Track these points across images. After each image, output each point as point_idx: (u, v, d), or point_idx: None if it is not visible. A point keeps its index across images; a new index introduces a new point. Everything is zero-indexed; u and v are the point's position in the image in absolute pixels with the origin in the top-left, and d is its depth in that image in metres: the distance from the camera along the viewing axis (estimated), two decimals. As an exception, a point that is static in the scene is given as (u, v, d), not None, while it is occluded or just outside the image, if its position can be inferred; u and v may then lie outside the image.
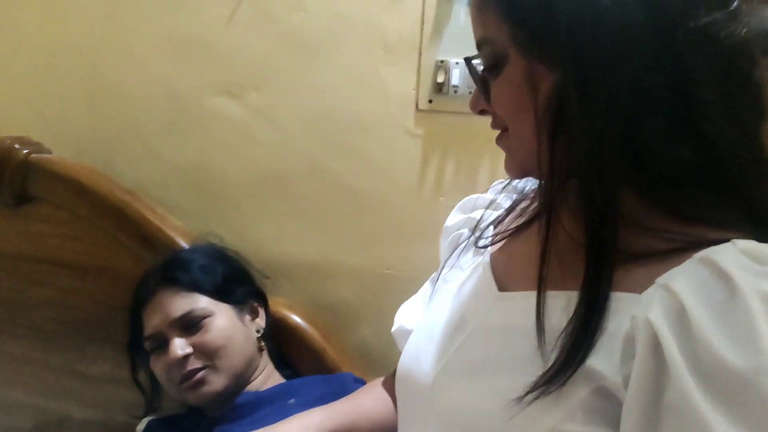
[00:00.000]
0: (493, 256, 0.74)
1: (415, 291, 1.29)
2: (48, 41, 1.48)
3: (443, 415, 0.65)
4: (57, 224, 1.35)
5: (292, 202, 1.40)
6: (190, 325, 1.13)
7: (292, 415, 1.02)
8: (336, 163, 1.36)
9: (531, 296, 0.62)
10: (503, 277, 0.69)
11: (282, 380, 1.18)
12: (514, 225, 0.75)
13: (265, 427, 0.76)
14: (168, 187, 1.44)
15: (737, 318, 0.47)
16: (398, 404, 0.78)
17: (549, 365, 0.56)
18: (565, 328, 0.56)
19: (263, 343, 1.19)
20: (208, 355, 1.11)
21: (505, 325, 0.64)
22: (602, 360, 0.54)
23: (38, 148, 1.39)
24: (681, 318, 0.49)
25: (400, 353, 0.84)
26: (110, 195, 1.30)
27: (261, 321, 1.22)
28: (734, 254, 0.51)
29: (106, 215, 1.30)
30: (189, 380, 1.10)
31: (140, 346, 1.18)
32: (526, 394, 0.56)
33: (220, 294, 1.17)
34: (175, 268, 1.18)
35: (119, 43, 1.44)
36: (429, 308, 0.81)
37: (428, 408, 0.67)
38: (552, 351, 0.57)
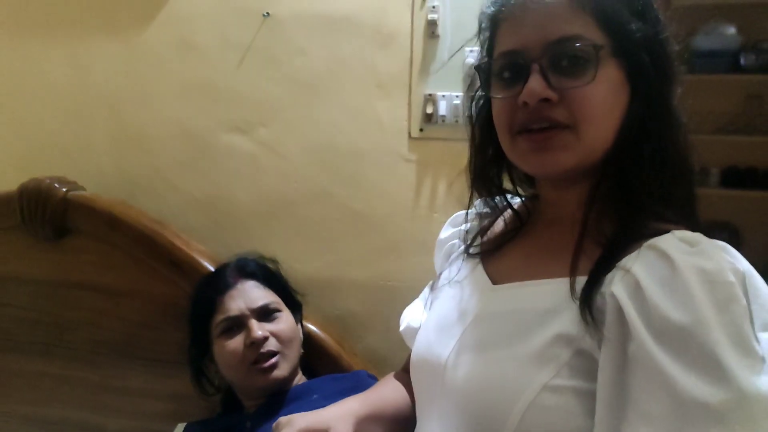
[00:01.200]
0: (484, 260, 0.90)
1: (415, 298, 1.45)
2: (74, 90, 1.65)
3: (458, 388, 0.79)
4: (91, 253, 1.50)
5: (300, 224, 1.56)
6: (267, 314, 1.27)
7: (317, 408, 1.17)
8: (338, 188, 1.52)
9: (518, 286, 0.80)
10: (495, 275, 0.85)
11: (305, 380, 1.32)
12: (500, 234, 0.92)
13: (311, 411, 0.86)
14: (187, 217, 1.60)
15: (678, 287, 0.64)
16: (415, 389, 0.92)
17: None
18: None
19: (302, 351, 1.33)
20: (281, 342, 1.25)
21: (499, 311, 0.80)
22: (579, 327, 0.70)
23: (74, 186, 1.54)
24: (637, 291, 0.66)
25: (407, 350, 1.00)
26: (141, 225, 1.46)
27: (301, 332, 1.36)
28: (674, 241, 0.68)
29: (138, 243, 1.45)
30: (263, 362, 1.22)
31: (200, 335, 1.29)
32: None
33: (284, 297, 1.33)
34: (251, 266, 1.33)
35: (138, 89, 1.61)
36: (433, 307, 0.96)
37: (445, 385, 0.81)
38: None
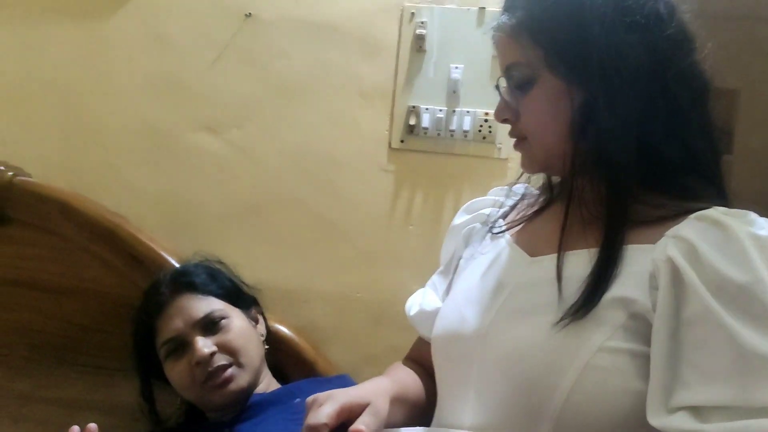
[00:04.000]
0: (513, 237, 0.89)
1: (384, 314, 1.42)
2: (21, 75, 1.53)
3: (503, 355, 0.77)
4: (34, 246, 1.36)
5: (268, 231, 1.48)
6: (211, 326, 1.17)
7: (298, 413, 1.09)
8: (312, 196, 1.47)
9: (556, 257, 0.79)
10: (529, 248, 0.85)
11: (279, 385, 1.23)
12: (526, 214, 0.92)
13: (350, 387, 0.80)
14: (144, 218, 1.48)
15: (734, 249, 0.66)
16: (443, 366, 0.89)
17: (574, 301, 0.72)
18: (590, 273, 0.73)
19: (266, 347, 1.24)
20: (231, 353, 1.15)
21: (542, 279, 0.79)
22: (634, 291, 0.71)
23: (20, 171, 1.40)
24: (693, 254, 0.67)
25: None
26: (100, 217, 1.34)
27: (262, 327, 1.28)
28: (719, 212, 0.70)
29: (94, 236, 1.33)
30: (215, 379, 1.12)
31: (147, 358, 1.19)
32: (562, 320, 0.72)
33: (230, 298, 1.23)
34: (186, 276, 1.23)
35: (98, 79, 1.51)
36: (458, 284, 0.94)
37: (485, 355, 0.79)
38: (577, 291, 0.73)
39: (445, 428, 0.83)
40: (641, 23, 0.75)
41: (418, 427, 0.85)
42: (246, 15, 1.48)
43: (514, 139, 0.86)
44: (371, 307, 1.45)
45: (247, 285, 1.34)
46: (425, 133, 1.44)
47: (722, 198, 0.78)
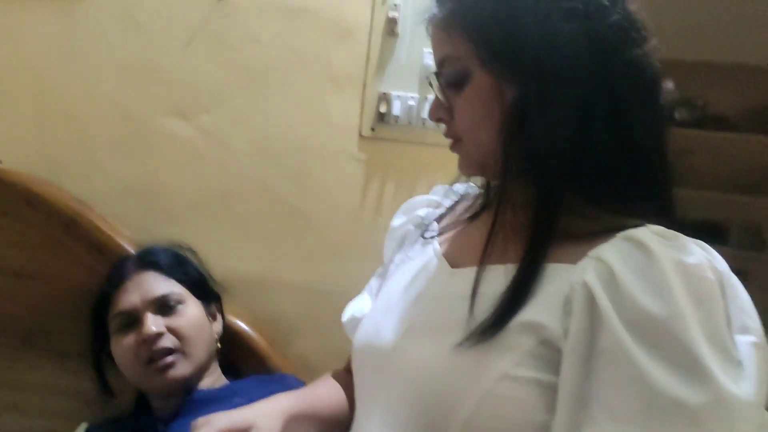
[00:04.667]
0: (441, 244, 0.85)
1: (353, 306, 1.37)
2: (-1, 58, 1.53)
3: (406, 372, 0.73)
4: (2, 232, 1.36)
5: (237, 219, 1.46)
6: (166, 307, 1.17)
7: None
8: (281, 184, 1.44)
9: (475, 270, 0.73)
10: (453, 259, 0.81)
11: (227, 381, 1.22)
12: (459, 219, 0.87)
13: (234, 409, 0.79)
14: (114, 202, 1.47)
15: (655, 278, 0.60)
16: (357, 378, 0.85)
17: (483, 321, 0.67)
18: (505, 290, 0.68)
19: (219, 346, 1.23)
20: (179, 338, 1.14)
21: (458, 294, 0.74)
22: (546, 316, 0.65)
23: (-12, 156, 1.40)
24: (611, 280, 0.62)
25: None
26: (62, 204, 1.33)
27: (218, 326, 1.27)
28: (648, 233, 0.64)
29: (57, 223, 1.32)
30: (157, 361, 1.11)
31: (100, 329, 1.19)
32: (466, 341, 0.66)
33: (193, 287, 1.23)
34: (153, 255, 1.23)
35: (72, 62, 1.49)
36: (382, 292, 0.90)
37: (391, 369, 0.75)
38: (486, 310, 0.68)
39: None
40: (580, 9, 0.68)
41: None
42: (217, -2, 1.45)
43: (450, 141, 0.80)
44: (339, 299, 1.39)
45: (214, 280, 1.33)
46: (396, 122, 1.40)
47: (665, 211, 0.72)
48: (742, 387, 0.56)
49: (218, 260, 1.40)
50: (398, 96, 1.39)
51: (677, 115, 3.45)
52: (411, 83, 1.38)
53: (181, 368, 1.14)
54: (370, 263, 1.40)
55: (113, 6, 1.48)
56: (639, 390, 0.57)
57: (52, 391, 1.36)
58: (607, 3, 0.70)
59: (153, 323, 1.13)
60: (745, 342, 0.59)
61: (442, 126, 0.80)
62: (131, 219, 1.46)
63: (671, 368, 0.56)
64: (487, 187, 0.88)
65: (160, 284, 1.19)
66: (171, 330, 1.15)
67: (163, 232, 1.45)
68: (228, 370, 1.24)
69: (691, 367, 0.56)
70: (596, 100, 0.69)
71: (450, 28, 0.74)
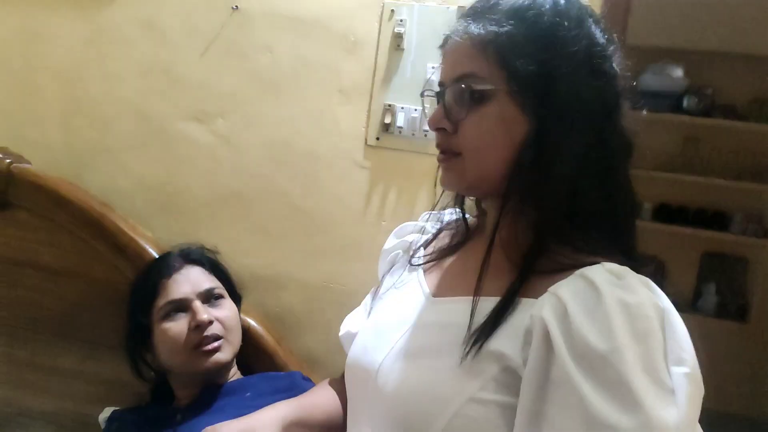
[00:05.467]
0: (425, 272, 0.93)
1: (356, 303, 1.48)
2: (27, 61, 1.62)
3: (389, 393, 0.82)
4: (33, 230, 1.47)
5: (249, 219, 1.56)
6: (212, 299, 1.29)
7: (248, 406, 1.18)
8: (291, 187, 1.54)
9: (455, 301, 0.84)
10: (436, 287, 0.89)
11: (239, 375, 1.33)
12: (443, 247, 0.96)
13: (237, 418, 0.88)
14: (134, 200, 1.58)
15: (601, 315, 0.69)
16: (348, 392, 0.95)
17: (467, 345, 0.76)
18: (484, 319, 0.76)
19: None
20: (224, 328, 1.26)
21: (437, 322, 0.84)
22: (509, 346, 0.74)
23: (19, 158, 1.51)
24: (564, 316, 0.70)
25: (344, 354, 1.02)
26: (88, 207, 1.44)
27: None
28: (602, 272, 0.73)
29: (83, 224, 1.43)
30: (206, 344, 1.22)
31: (144, 318, 1.28)
32: (465, 355, 0.75)
33: (227, 287, 1.35)
34: (195, 255, 1.35)
35: (96, 66, 1.59)
36: (374, 313, 0.99)
37: (375, 389, 0.84)
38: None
39: None
40: (605, 72, 0.78)
41: None
42: (233, 8, 1.52)
43: (440, 153, 0.84)
44: (342, 296, 1.52)
45: (236, 284, 1.42)
46: (400, 132, 1.47)
47: (626, 251, 0.80)
48: (670, 413, 0.64)
49: (230, 258, 1.49)
50: (402, 108, 1.47)
51: (686, 103, 3.48)
52: (415, 96, 1.46)
53: (225, 353, 1.25)
54: (372, 264, 1.49)
55: (136, 14, 1.57)
56: (580, 415, 0.65)
57: (79, 376, 1.49)
58: (615, 69, 0.80)
59: (204, 311, 1.24)
60: (679, 373, 0.67)
61: (435, 136, 0.85)
62: (150, 217, 1.57)
63: (609, 397, 0.65)
64: (465, 222, 0.96)
65: (206, 278, 1.31)
66: (217, 320, 1.26)
67: (179, 230, 1.55)
68: (238, 364, 1.35)
69: (625, 396, 0.64)
70: (593, 151, 0.78)
71: (485, 48, 0.78)
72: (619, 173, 0.81)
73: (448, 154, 0.83)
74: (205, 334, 1.23)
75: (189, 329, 1.23)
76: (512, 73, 0.77)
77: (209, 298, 1.29)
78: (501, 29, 0.77)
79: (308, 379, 1.32)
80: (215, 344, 1.24)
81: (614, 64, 0.80)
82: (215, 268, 1.36)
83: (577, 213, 0.78)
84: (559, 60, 0.76)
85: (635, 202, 0.84)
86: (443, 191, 0.95)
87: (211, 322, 1.24)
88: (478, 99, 0.78)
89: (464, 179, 0.82)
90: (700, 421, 0.71)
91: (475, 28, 0.79)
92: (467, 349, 0.76)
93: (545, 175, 0.77)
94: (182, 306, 1.26)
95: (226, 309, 1.30)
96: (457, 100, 0.80)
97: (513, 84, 0.77)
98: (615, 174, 0.80)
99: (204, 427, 0.87)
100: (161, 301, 1.26)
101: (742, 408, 3.43)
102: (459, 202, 0.98)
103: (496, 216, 0.83)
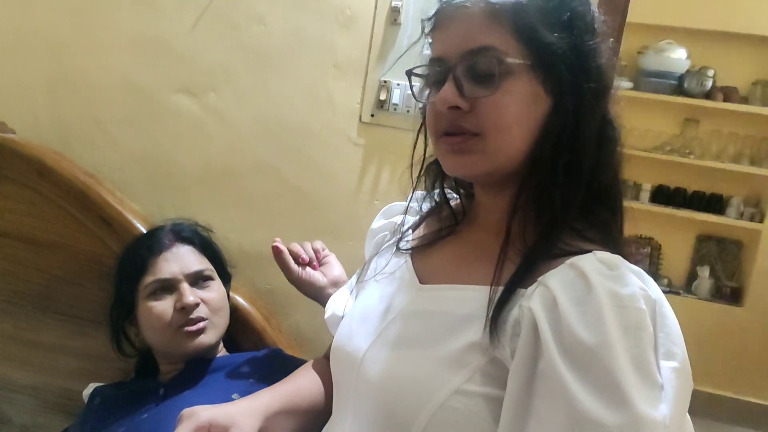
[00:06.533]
0: (413, 256, 0.90)
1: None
2: (14, 27, 1.56)
3: (373, 382, 0.80)
4: (16, 201, 1.44)
5: (239, 195, 1.53)
6: (200, 281, 1.26)
7: (229, 384, 1.16)
8: (283, 164, 1.50)
9: (443, 289, 0.81)
10: (423, 273, 0.86)
11: (225, 352, 1.31)
12: (432, 232, 0.92)
13: (216, 405, 0.85)
14: (122, 172, 1.55)
15: (591, 308, 0.66)
16: (333, 377, 0.93)
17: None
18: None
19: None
20: (210, 310, 1.24)
21: (424, 310, 0.81)
22: (495, 336, 0.71)
23: (2, 127, 1.47)
24: (553, 307, 0.68)
25: (331, 337, 1.00)
26: (73, 177, 1.40)
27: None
28: (594, 262, 0.70)
29: (68, 196, 1.40)
30: (190, 325, 1.20)
31: (129, 294, 1.26)
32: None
33: (217, 268, 1.32)
34: (187, 232, 1.31)
35: (85, 35, 1.54)
36: (359, 298, 0.96)
37: (360, 377, 0.82)
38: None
39: None
40: (610, 50, 0.77)
41: None
42: (225, -23, 1.48)
43: (449, 135, 0.77)
44: (334, 275, 1.50)
45: (226, 262, 1.39)
46: (395, 109, 1.44)
47: (612, 241, 0.78)
48: (658, 409, 0.63)
49: (220, 234, 1.46)
50: (398, 84, 1.43)
51: (687, 84, 3.44)
52: (411, 73, 1.42)
53: (209, 336, 1.23)
54: (362, 243, 1.48)
55: (125, -19, 1.51)
56: (567, 410, 0.63)
57: (62, 351, 1.46)
58: (597, 44, 0.77)
59: (191, 294, 1.22)
60: (669, 367, 0.66)
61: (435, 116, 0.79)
62: (139, 190, 1.54)
63: (596, 392, 0.63)
64: (462, 206, 0.91)
65: (196, 259, 1.28)
66: (204, 301, 1.24)
67: (167, 204, 1.53)
68: (226, 342, 1.32)
69: (612, 391, 0.62)
70: (607, 130, 0.77)
71: (499, 20, 0.73)
72: (615, 159, 0.78)
73: (466, 135, 0.76)
74: (191, 316, 1.21)
75: (174, 310, 1.20)
76: (531, 47, 0.72)
77: (198, 279, 1.26)
78: (515, 1, 0.72)
79: (290, 357, 1.30)
80: (199, 325, 1.21)
81: (611, 50, 0.78)
82: (206, 247, 1.33)
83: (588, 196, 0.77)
84: (578, 34, 0.74)
85: (621, 187, 0.81)
86: (421, 172, 0.90)
87: (197, 305, 1.21)
88: (500, 75, 0.72)
89: (483, 160, 0.76)
90: (692, 404, 0.70)
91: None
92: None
93: (570, 154, 0.74)
94: (169, 286, 1.23)
95: (214, 291, 1.27)
96: (475, 76, 0.74)
97: (532, 58, 0.72)
98: (610, 160, 0.78)
99: (186, 403, 0.85)
100: (148, 279, 1.23)
101: (735, 390, 3.45)
102: (443, 186, 0.92)
103: (509, 202, 0.78)
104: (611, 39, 0.79)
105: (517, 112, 0.73)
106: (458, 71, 0.75)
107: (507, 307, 0.73)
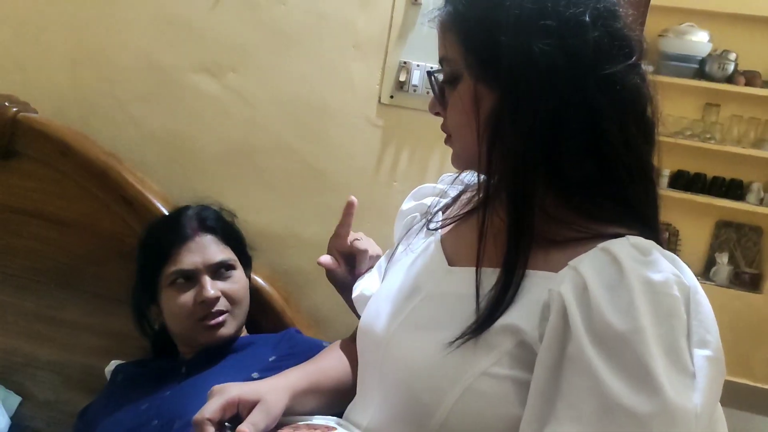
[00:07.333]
0: (442, 237, 0.91)
1: (365, 263, 1.45)
2: (36, 7, 1.57)
3: (397, 362, 0.80)
4: (39, 180, 1.45)
5: (259, 175, 1.53)
6: (222, 272, 1.26)
7: (249, 364, 1.17)
8: (302, 144, 1.50)
9: (472, 271, 0.80)
10: (451, 255, 0.86)
11: (247, 333, 1.32)
12: (462, 212, 0.92)
13: (245, 382, 0.87)
14: (142, 151, 1.55)
15: (623, 294, 0.65)
16: (360, 356, 0.93)
17: (470, 323, 0.74)
18: (488, 294, 0.74)
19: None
20: (231, 302, 1.24)
21: (452, 292, 0.81)
22: (525, 320, 0.72)
23: (25, 107, 1.48)
24: (583, 292, 0.67)
25: (350, 314, 1.00)
26: (94, 157, 1.41)
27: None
28: (626, 246, 0.69)
29: (89, 175, 1.41)
30: (210, 319, 1.21)
31: (152, 280, 1.26)
32: (455, 341, 0.73)
33: (240, 255, 1.32)
34: (211, 221, 1.31)
35: (106, 15, 1.54)
36: (387, 278, 0.97)
37: (385, 356, 0.83)
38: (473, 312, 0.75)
39: (348, 424, 0.87)
40: (554, 27, 0.71)
41: (330, 417, 0.90)
42: (246, -44, 1.47)
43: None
44: (353, 256, 1.50)
45: (248, 245, 1.40)
46: (415, 91, 1.44)
47: (647, 222, 0.76)
48: (690, 398, 0.62)
49: (239, 214, 1.46)
50: (418, 66, 1.42)
51: (708, 68, 3.39)
52: (431, 53, 1.40)
53: (229, 328, 1.24)
54: (382, 225, 1.48)
55: (146, -39, 1.51)
56: (596, 396, 0.63)
57: (84, 328, 1.48)
58: (587, 20, 0.72)
59: (212, 287, 1.22)
60: (702, 355, 0.65)
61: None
62: (158, 169, 1.54)
63: (627, 379, 0.63)
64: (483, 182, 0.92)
65: (219, 250, 1.27)
66: (225, 294, 1.24)
67: (187, 183, 1.53)
68: (246, 322, 1.33)
69: (643, 378, 0.62)
70: (569, 113, 0.72)
71: (447, 30, 0.78)
72: (610, 132, 0.73)
73: (447, 135, 0.84)
74: (211, 310, 1.21)
75: (195, 302, 1.21)
76: (467, 49, 0.76)
77: (219, 271, 1.26)
78: (454, 8, 0.77)
79: (308, 338, 1.31)
80: (219, 319, 1.22)
81: (574, 17, 0.72)
82: (229, 235, 1.32)
83: (569, 180, 0.75)
84: (502, 27, 0.72)
85: (648, 168, 0.78)
86: None
87: (217, 299, 1.22)
88: (451, 81, 0.79)
89: (459, 158, 0.84)
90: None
91: (440, 11, 0.79)
92: (478, 323, 0.73)
93: (507, 146, 0.74)
94: (191, 276, 1.23)
95: (236, 282, 1.27)
96: (438, 84, 0.82)
97: (468, 60, 0.76)
98: (602, 133, 0.73)
99: (208, 382, 0.86)
100: (170, 268, 1.24)
101: (753, 378, 3.43)
102: None
103: (485, 191, 0.79)
104: (587, 14, 0.73)
105: (466, 113, 0.77)
106: (433, 79, 0.83)
107: (530, 289, 0.73)
